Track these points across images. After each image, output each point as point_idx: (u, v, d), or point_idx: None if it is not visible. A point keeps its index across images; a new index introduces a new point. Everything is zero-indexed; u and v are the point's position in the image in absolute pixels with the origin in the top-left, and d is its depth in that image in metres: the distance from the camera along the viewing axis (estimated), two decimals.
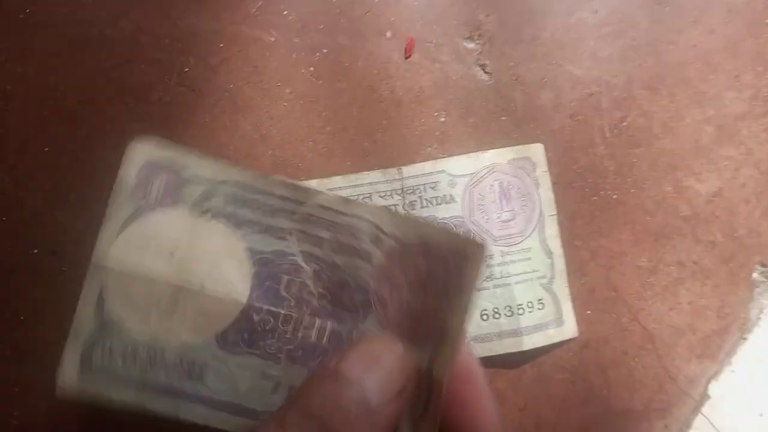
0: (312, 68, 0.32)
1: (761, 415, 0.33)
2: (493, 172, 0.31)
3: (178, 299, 0.23)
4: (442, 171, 0.31)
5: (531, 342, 0.31)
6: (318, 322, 0.24)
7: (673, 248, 0.33)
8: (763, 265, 0.33)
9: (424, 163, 0.31)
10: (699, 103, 0.33)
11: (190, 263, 0.24)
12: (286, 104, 0.32)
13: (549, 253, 0.32)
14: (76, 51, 0.31)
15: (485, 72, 0.33)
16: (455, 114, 0.32)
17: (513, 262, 0.31)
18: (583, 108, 0.33)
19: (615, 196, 0.33)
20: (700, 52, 0.33)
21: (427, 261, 0.24)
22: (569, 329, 0.32)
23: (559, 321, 0.31)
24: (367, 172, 0.31)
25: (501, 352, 0.31)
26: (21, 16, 0.31)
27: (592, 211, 0.33)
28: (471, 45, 0.33)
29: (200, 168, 0.24)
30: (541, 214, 0.32)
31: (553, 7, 0.33)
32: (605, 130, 0.33)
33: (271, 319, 0.24)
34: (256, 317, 0.24)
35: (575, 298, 0.32)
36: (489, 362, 0.31)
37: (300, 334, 0.23)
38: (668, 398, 0.33)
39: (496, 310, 0.31)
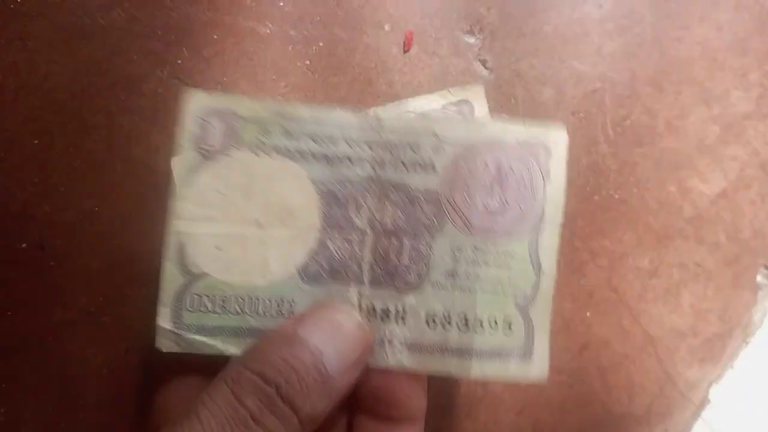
0: (308, 61, 0.31)
1: (763, 419, 0.33)
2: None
3: (254, 241, 0.23)
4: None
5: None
6: (394, 241, 0.23)
7: (676, 250, 0.32)
8: None
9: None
10: (705, 101, 0.32)
11: (260, 204, 0.23)
12: (281, 98, 0.31)
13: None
14: (67, 41, 0.30)
15: (485, 67, 0.32)
16: None
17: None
18: (586, 105, 0.32)
19: (617, 196, 0.32)
20: (707, 49, 0.33)
21: (498, 157, 0.23)
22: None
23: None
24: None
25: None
26: (12, 6, 0.30)
27: (593, 210, 0.32)
28: (471, 39, 0.32)
29: (251, 108, 0.24)
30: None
31: (557, 0, 0.32)
32: (608, 127, 0.32)
33: (347, 245, 0.23)
34: (331, 245, 0.23)
35: (575, 299, 0.32)
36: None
37: (378, 257, 0.23)
38: (669, 402, 0.32)
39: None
